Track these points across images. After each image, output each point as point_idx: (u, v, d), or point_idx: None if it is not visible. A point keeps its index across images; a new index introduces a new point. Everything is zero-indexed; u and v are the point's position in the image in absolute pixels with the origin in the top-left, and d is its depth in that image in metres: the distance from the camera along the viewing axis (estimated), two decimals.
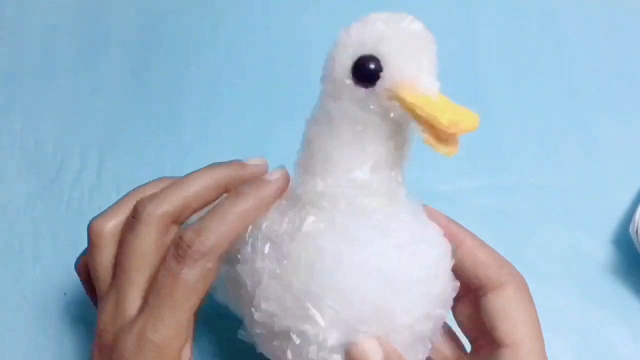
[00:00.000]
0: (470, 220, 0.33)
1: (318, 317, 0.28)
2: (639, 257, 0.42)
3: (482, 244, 0.32)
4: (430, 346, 0.31)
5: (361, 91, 0.27)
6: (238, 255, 0.31)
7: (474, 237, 0.32)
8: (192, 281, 0.29)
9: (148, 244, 0.30)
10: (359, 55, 0.27)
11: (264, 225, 0.30)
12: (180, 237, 0.29)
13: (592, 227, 0.45)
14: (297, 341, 0.28)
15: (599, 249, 0.44)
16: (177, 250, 0.29)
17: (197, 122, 0.49)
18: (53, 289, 0.42)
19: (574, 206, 0.45)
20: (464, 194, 0.46)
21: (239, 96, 0.50)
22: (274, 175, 0.32)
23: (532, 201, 0.46)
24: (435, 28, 0.28)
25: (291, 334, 0.28)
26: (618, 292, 0.43)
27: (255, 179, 0.32)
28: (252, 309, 0.29)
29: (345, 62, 0.28)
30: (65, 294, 0.42)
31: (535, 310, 0.31)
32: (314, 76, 0.51)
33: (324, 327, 0.28)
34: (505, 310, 0.31)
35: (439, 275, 0.29)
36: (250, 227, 0.30)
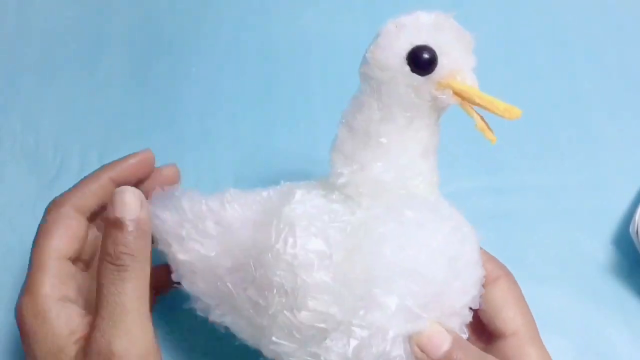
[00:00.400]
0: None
1: (390, 301, 0.27)
2: (639, 257, 0.42)
3: None
4: (466, 335, 0.31)
5: (418, 78, 0.28)
6: (252, 263, 0.30)
7: None
8: (47, 225, 0.34)
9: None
10: (414, 45, 0.28)
11: (297, 222, 0.29)
12: None
13: (592, 227, 0.45)
14: (361, 334, 0.27)
15: (599, 249, 0.44)
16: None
17: (197, 122, 0.49)
18: None
19: (574, 206, 0.45)
20: (463, 194, 0.46)
21: (239, 96, 0.50)
22: (136, 156, 0.37)
23: (532, 201, 0.46)
24: None
25: (353, 328, 0.27)
26: (618, 292, 0.43)
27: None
28: (293, 311, 0.28)
29: (400, 51, 0.29)
30: None
31: (525, 299, 0.33)
32: (313, 76, 0.51)
33: (393, 312, 0.27)
34: (504, 301, 0.32)
35: (480, 260, 0.31)
36: (274, 230, 0.29)
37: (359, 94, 0.30)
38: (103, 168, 0.36)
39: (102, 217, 0.36)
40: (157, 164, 0.47)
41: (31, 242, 0.45)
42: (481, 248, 0.33)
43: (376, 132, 0.29)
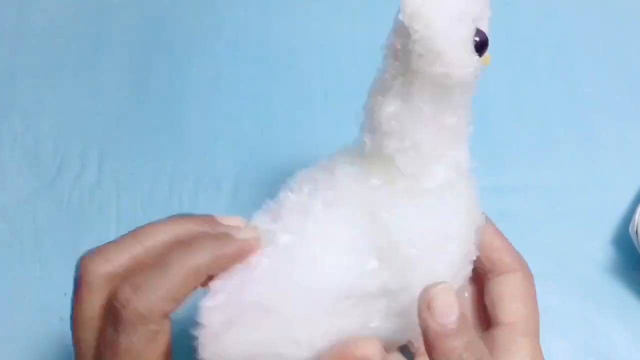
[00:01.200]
0: None
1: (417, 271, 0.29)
2: (639, 257, 0.42)
3: (500, 232, 0.34)
4: (468, 293, 0.35)
5: (477, 60, 0.29)
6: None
7: (493, 224, 0.34)
8: (135, 350, 0.24)
9: (91, 310, 0.26)
10: (475, 27, 0.29)
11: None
12: (115, 296, 0.24)
13: (592, 227, 0.45)
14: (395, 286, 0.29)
15: (599, 249, 0.44)
16: (111, 313, 0.25)
17: (197, 122, 0.49)
18: (53, 289, 0.42)
19: (574, 206, 0.45)
20: None
21: (239, 96, 0.50)
22: (243, 234, 0.28)
23: (532, 201, 0.46)
24: None
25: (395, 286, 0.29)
26: (618, 292, 0.43)
27: (222, 236, 0.27)
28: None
29: (464, 32, 0.28)
30: (65, 294, 0.42)
31: (536, 299, 0.33)
32: (314, 76, 0.51)
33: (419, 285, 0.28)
34: (511, 294, 0.32)
35: (472, 222, 0.32)
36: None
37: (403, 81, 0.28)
38: (181, 256, 0.26)
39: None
40: (157, 164, 0.48)
41: (30, 242, 0.45)
42: (509, 242, 0.34)
43: (418, 125, 0.29)
